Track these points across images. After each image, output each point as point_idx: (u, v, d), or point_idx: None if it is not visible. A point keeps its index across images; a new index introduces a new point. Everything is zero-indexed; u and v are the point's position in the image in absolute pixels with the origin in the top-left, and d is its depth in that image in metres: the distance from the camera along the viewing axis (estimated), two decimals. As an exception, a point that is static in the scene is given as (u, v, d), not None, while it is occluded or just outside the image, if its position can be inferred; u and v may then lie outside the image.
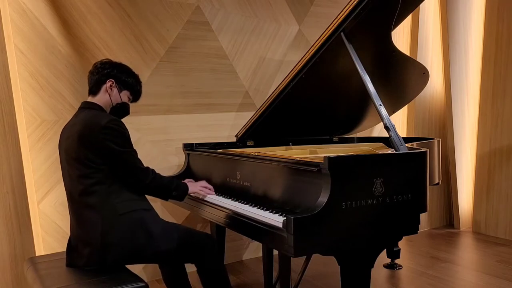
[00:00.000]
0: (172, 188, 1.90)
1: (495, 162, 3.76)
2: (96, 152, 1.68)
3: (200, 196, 2.14)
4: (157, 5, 2.84)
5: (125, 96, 1.92)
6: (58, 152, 2.52)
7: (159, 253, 1.75)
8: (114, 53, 2.70)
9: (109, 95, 1.86)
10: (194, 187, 2.08)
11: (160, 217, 1.86)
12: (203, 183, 2.16)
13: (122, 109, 1.93)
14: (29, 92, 2.48)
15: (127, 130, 1.77)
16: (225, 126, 3.18)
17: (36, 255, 2.36)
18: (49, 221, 2.55)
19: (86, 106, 1.85)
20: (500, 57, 3.68)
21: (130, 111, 1.99)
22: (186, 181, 2.12)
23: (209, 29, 3.05)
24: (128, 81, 1.90)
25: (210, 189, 2.15)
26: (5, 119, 2.31)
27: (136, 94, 1.97)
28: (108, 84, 1.85)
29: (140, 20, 2.79)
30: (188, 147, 2.66)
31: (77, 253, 1.75)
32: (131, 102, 1.99)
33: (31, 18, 2.46)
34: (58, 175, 2.57)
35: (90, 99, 1.88)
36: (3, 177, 2.31)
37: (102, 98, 1.86)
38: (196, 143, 2.67)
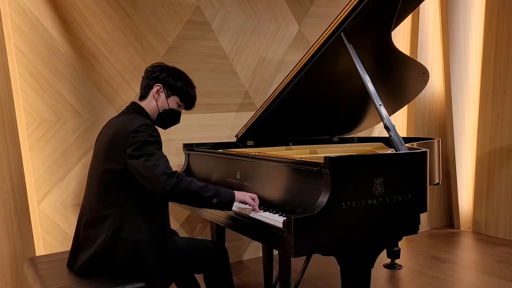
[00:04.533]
0: (206, 195, 1.61)
1: (495, 162, 3.76)
2: (119, 160, 1.57)
3: (247, 210, 1.76)
4: (157, 5, 2.84)
5: (173, 102, 1.78)
6: (58, 152, 2.57)
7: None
8: (114, 53, 2.70)
9: (156, 100, 1.75)
10: (243, 195, 1.74)
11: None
12: (253, 195, 1.79)
13: (169, 116, 1.79)
14: (29, 92, 2.48)
15: (159, 135, 1.63)
16: (225, 126, 3.18)
17: (36, 255, 2.36)
18: (49, 221, 2.55)
19: (130, 107, 1.77)
20: (500, 57, 3.68)
21: None
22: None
23: (209, 29, 3.05)
24: (177, 85, 1.76)
25: (256, 204, 1.77)
26: (5, 119, 2.31)
27: (187, 100, 1.81)
28: (155, 89, 1.74)
29: (140, 20, 2.79)
30: (188, 147, 2.66)
31: (77, 255, 1.70)
32: (184, 109, 1.84)
33: (31, 18, 2.46)
34: (58, 175, 2.58)
35: (138, 102, 1.78)
36: (3, 177, 2.31)
37: (149, 104, 1.76)
38: (196, 143, 2.66)
